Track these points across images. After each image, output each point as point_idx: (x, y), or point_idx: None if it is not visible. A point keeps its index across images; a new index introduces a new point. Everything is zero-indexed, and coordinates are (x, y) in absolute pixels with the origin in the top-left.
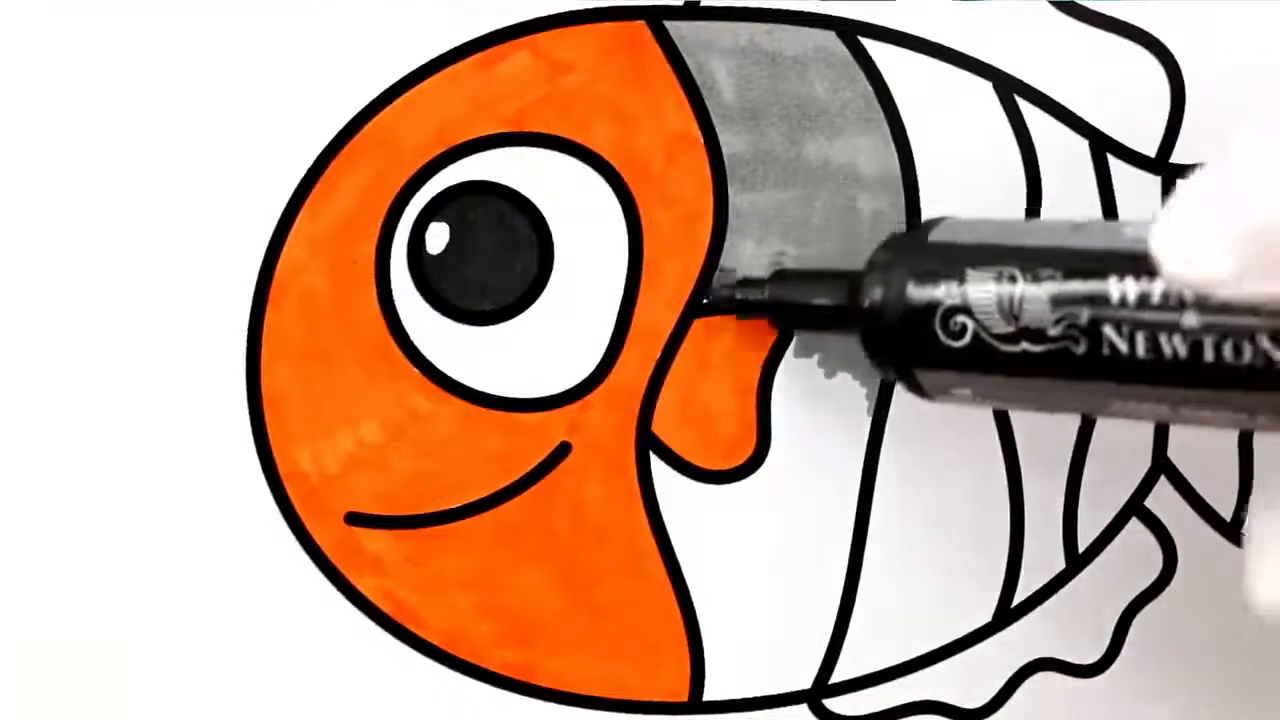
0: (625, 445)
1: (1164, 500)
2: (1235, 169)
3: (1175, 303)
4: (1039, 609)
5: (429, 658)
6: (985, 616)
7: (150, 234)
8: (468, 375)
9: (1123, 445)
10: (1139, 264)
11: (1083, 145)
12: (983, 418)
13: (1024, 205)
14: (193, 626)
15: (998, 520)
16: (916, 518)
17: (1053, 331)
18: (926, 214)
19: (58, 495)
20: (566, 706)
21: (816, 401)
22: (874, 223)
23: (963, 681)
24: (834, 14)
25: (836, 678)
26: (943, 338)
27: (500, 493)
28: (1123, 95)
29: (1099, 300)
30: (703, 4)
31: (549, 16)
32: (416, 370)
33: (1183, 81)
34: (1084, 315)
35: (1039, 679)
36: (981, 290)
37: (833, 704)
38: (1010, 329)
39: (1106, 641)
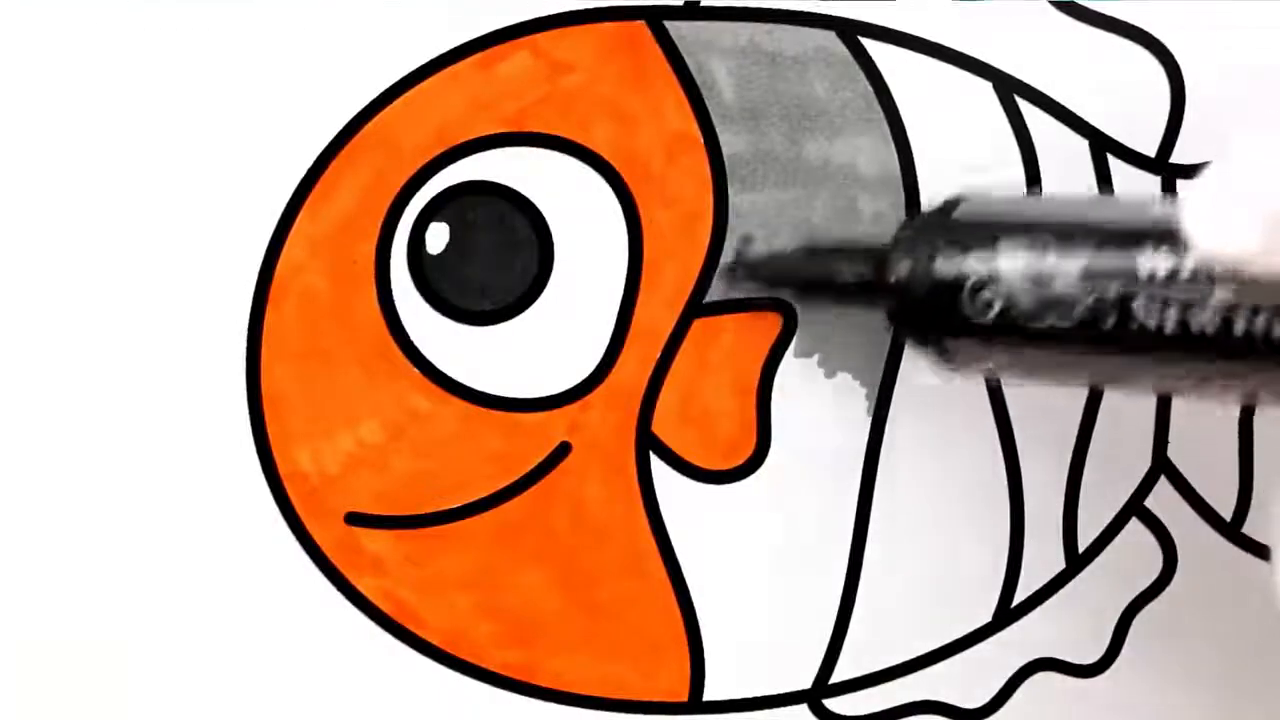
0: (625, 445)
1: (1164, 500)
2: (1268, 145)
3: (1205, 278)
4: (1039, 609)
5: (429, 658)
6: (985, 616)
7: (150, 234)
8: (468, 375)
9: (1123, 445)
10: (1168, 238)
11: (1083, 145)
12: (983, 417)
13: None
14: (193, 626)
15: (998, 520)
16: (916, 518)
17: (1081, 305)
18: None
19: (57, 495)
20: (566, 706)
21: (816, 401)
22: (874, 223)
23: (963, 681)
24: (834, 14)
25: (836, 678)
26: (971, 311)
27: (500, 493)
28: (1123, 95)
29: (1128, 275)
30: (703, 4)
31: (549, 16)
32: (416, 370)
33: (1183, 81)
34: (1113, 289)
35: (1039, 679)
36: (1012, 263)
37: (833, 704)
38: (1039, 303)
39: (1106, 641)
